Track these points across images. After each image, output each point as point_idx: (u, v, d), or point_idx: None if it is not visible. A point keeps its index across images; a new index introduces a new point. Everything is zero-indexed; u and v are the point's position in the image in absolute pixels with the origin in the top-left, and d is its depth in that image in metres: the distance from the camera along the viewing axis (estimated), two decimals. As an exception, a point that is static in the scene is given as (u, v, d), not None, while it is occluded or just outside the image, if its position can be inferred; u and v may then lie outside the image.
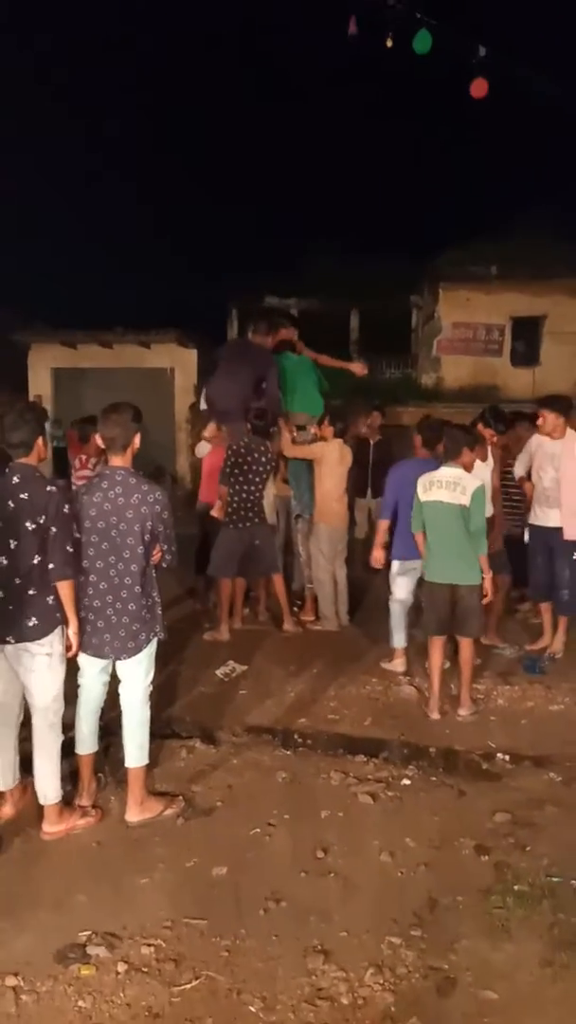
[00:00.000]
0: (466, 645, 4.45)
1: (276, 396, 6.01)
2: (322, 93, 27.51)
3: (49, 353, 14.38)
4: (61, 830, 3.18)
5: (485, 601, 4.49)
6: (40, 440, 3.18)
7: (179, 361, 14.27)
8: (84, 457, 7.04)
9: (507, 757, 3.96)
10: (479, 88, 5.91)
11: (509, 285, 13.86)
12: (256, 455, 5.73)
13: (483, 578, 4.38)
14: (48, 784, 3.19)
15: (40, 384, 14.50)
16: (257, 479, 5.75)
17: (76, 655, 3.26)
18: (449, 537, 4.37)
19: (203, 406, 6.49)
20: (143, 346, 14.01)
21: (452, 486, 4.33)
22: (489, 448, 5.27)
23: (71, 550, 3.10)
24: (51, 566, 3.05)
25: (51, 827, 3.18)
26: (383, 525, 5.14)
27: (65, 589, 3.10)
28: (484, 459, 5.17)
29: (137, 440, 3.30)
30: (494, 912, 2.72)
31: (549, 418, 5.25)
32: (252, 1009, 2.30)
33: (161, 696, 4.04)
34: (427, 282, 14.72)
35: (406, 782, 3.68)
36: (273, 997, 2.34)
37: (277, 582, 5.97)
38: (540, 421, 5.33)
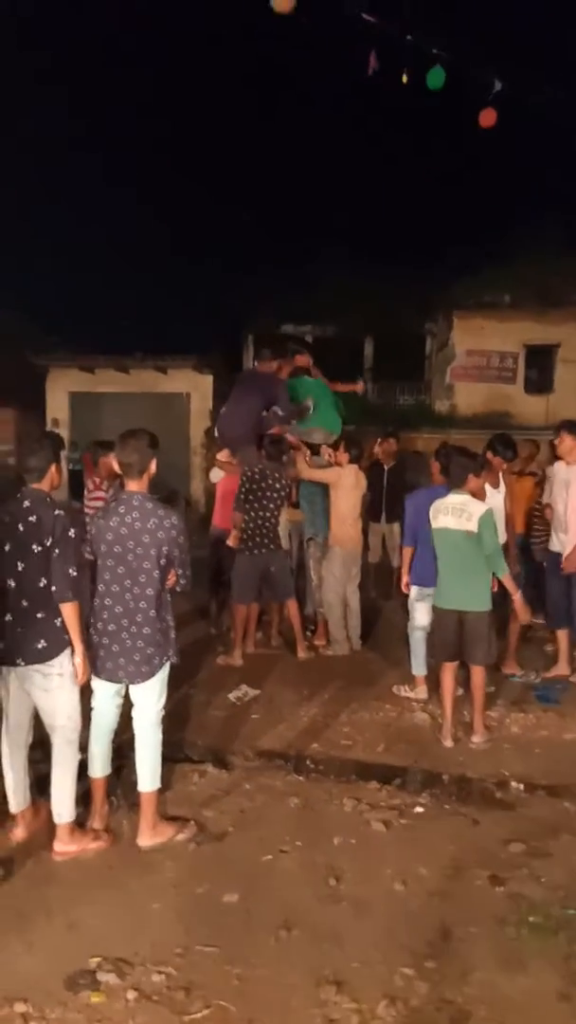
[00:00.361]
0: (477, 672, 4.43)
1: (288, 407, 6.08)
2: (339, 123, 28.06)
3: (67, 377, 14.59)
4: (72, 851, 3.18)
5: (523, 622, 4.67)
6: (54, 468, 3.25)
7: (195, 386, 14.44)
8: (97, 480, 7.12)
9: (521, 785, 3.92)
10: (488, 118, 6.01)
11: (523, 313, 13.99)
12: (271, 481, 5.78)
13: (511, 598, 4.45)
14: (63, 802, 3.20)
15: (58, 408, 14.70)
16: (272, 505, 5.79)
17: (84, 682, 3.26)
18: (456, 563, 4.38)
19: (217, 433, 6.60)
20: (160, 371, 14.19)
21: (458, 512, 4.35)
22: (500, 474, 5.28)
23: (74, 573, 3.13)
24: (53, 588, 3.09)
25: (63, 846, 3.19)
26: (407, 552, 5.17)
27: (68, 611, 3.12)
28: (496, 486, 5.19)
29: (153, 466, 3.36)
30: (509, 944, 2.68)
31: (567, 440, 5.28)
32: (263, 1039, 2.28)
33: (173, 720, 4.04)
34: (441, 310, 14.87)
35: (419, 810, 3.65)
36: (285, 1028, 2.31)
37: (292, 607, 5.99)
38: (558, 441, 5.37)
